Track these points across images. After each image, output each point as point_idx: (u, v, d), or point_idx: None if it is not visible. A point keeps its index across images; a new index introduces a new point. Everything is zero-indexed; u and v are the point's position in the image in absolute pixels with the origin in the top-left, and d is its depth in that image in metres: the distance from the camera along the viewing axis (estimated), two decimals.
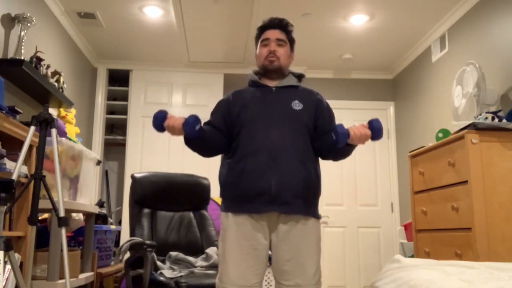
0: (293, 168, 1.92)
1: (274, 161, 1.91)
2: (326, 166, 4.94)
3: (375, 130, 1.81)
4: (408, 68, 4.74)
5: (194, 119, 1.84)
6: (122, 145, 5.06)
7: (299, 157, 1.94)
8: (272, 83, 2.10)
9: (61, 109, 3.61)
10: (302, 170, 1.93)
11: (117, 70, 5.02)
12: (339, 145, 1.82)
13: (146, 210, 3.05)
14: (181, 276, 2.66)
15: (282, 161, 1.91)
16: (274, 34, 2.10)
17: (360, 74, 5.16)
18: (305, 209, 1.95)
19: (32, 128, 2.20)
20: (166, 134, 4.85)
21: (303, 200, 1.94)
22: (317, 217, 2.02)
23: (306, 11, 3.81)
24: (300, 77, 2.16)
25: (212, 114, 2.11)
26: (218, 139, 2.04)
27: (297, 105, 2.03)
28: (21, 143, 2.28)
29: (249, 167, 1.92)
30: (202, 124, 1.92)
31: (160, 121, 1.87)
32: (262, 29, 2.15)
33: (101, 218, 3.60)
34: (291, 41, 2.16)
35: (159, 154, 4.84)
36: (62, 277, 2.51)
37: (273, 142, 1.93)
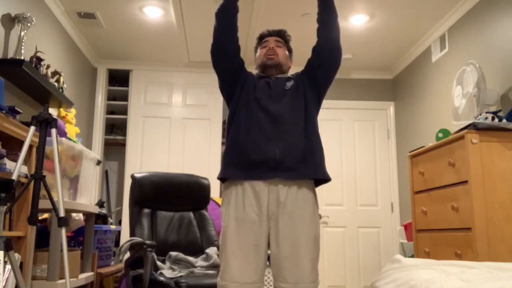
0: (297, 136, 2.01)
1: (278, 130, 2.00)
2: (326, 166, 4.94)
3: None
4: (408, 68, 4.74)
5: None
6: (122, 145, 5.06)
7: (301, 125, 2.03)
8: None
9: (61, 109, 3.61)
10: (305, 138, 2.02)
11: (117, 70, 5.02)
12: None
13: (146, 210, 3.05)
14: (181, 276, 2.66)
15: (285, 129, 2.00)
16: (273, 38, 2.23)
17: (360, 74, 5.16)
18: (311, 172, 2.00)
19: (32, 128, 2.20)
20: (166, 134, 4.87)
21: (307, 164, 2.00)
22: (326, 177, 2.06)
23: (306, 11, 3.81)
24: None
25: None
26: (236, 35, 2.11)
27: (289, 84, 2.14)
28: (21, 143, 2.28)
29: (253, 136, 1.99)
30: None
31: None
32: (261, 38, 2.27)
33: (101, 218, 3.60)
34: (289, 50, 2.28)
35: (159, 154, 4.84)
36: (62, 277, 2.51)
37: (275, 114, 2.02)
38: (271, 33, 2.25)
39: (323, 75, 2.13)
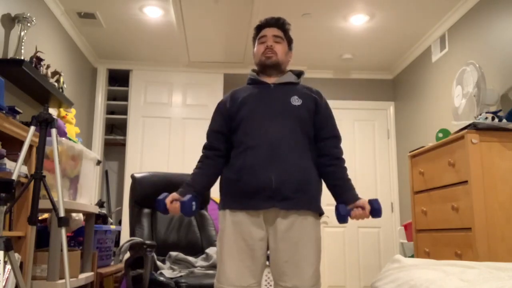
0: (294, 162, 1.90)
1: (274, 156, 1.89)
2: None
3: (375, 211, 1.91)
4: (408, 68, 4.74)
5: (188, 204, 1.89)
6: (122, 145, 5.07)
7: (299, 151, 1.92)
8: (270, 80, 2.07)
9: (61, 109, 3.61)
10: (302, 165, 1.91)
11: (117, 70, 5.02)
12: (340, 221, 1.93)
13: (146, 210, 3.05)
14: (181, 276, 2.66)
15: (282, 155, 1.89)
16: (271, 31, 2.09)
17: (360, 74, 5.16)
18: (306, 204, 1.91)
19: (32, 128, 2.20)
20: (166, 134, 4.87)
21: (304, 194, 1.90)
22: (320, 212, 1.97)
23: (306, 11, 3.81)
24: (299, 75, 2.14)
25: (213, 119, 2.09)
26: (222, 160, 2.04)
27: (296, 101, 2.00)
28: (21, 143, 2.28)
29: (249, 162, 1.89)
30: (196, 201, 1.95)
31: (163, 207, 1.93)
32: (259, 28, 2.14)
33: (101, 218, 3.60)
34: (289, 40, 2.14)
35: (159, 154, 4.84)
36: (62, 277, 2.51)
37: (273, 137, 1.91)
38: (269, 23, 2.10)
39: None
